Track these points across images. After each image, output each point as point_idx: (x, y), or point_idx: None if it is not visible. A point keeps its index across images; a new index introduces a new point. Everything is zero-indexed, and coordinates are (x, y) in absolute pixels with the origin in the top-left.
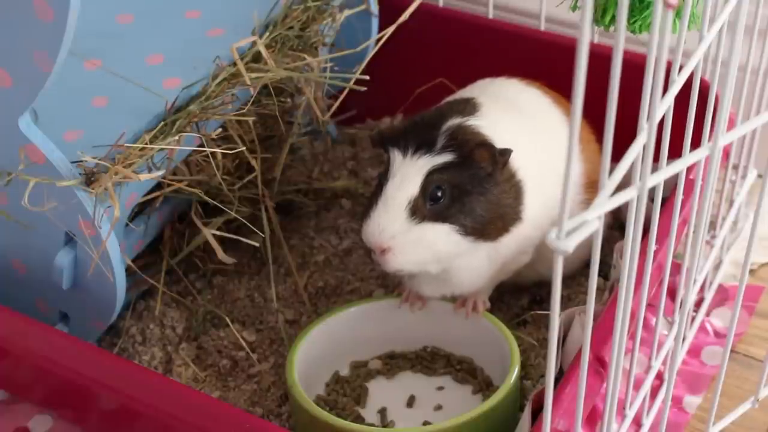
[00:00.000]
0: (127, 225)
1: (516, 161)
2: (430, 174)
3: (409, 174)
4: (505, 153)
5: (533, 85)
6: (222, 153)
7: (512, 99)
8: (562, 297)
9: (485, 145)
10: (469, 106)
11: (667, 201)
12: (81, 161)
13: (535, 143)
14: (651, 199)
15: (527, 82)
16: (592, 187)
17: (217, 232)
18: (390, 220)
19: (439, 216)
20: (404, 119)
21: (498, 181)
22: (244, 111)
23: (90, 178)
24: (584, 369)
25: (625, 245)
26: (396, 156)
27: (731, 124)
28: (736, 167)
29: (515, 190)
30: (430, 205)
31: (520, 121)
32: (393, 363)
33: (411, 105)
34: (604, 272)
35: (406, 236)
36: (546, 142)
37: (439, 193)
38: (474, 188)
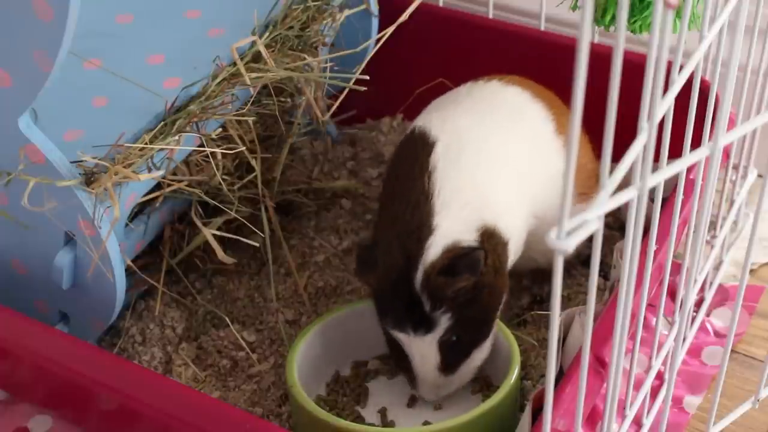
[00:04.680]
0: (127, 225)
1: (491, 219)
2: (442, 343)
3: (425, 352)
4: (476, 261)
5: (512, 84)
6: (222, 153)
7: (481, 111)
8: (562, 297)
9: (459, 278)
10: (422, 205)
11: (668, 201)
12: (81, 161)
13: (508, 166)
14: (651, 199)
15: (505, 82)
16: (582, 184)
17: (217, 232)
18: (435, 389)
19: (464, 352)
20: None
21: (485, 276)
22: (244, 111)
23: (90, 178)
24: (584, 369)
25: (625, 245)
26: (400, 336)
27: (731, 124)
28: (736, 167)
29: (499, 246)
30: (453, 353)
31: (487, 150)
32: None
33: (411, 105)
34: (604, 272)
35: (456, 381)
36: (523, 150)
37: (455, 339)
38: (474, 306)
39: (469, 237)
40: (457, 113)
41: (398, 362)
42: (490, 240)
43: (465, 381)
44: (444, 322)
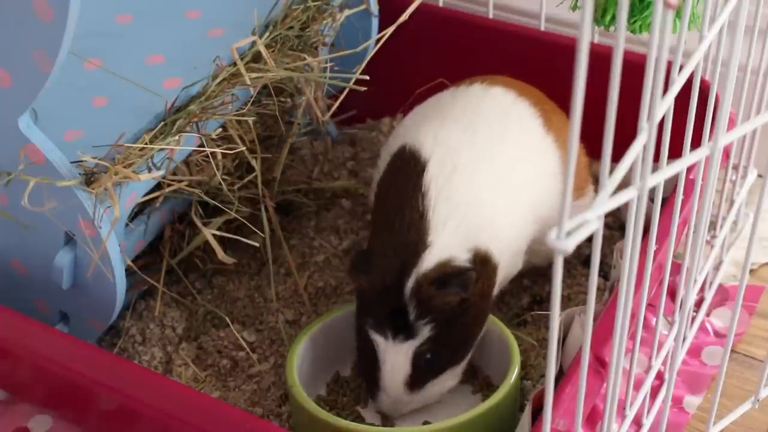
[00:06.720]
0: (127, 225)
1: (485, 241)
2: (416, 354)
3: (397, 361)
4: (468, 279)
5: (495, 85)
6: (222, 153)
7: (468, 120)
8: (562, 297)
9: (447, 293)
10: (418, 222)
11: (667, 201)
12: (81, 161)
13: (502, 176)
14: (651, 199)
15: (488, 84)
16: (576, 176)
17: (217, 232)
18: (397, 403)
19: (435, 371)
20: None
21: (473, 296)
22: (244, 111)
23: (90, 178)
24: (584, 369)
25: (625, 245)
26: (378, 339)
27: (731, 124)
28: (736, 167)
29: (489, 270)
30: (424, 369)
31: (479, 164)
32: None
33: (411, 105)
34: (604, 272)
35: (417, 401)
36: (515, 155)
37: (429, 356)
38: (456, 324)
39: (462, 256)
40: (445, 126)
41: (365, 371)
42: (482, 262)
43: (424, 404)
44: (424, 333)
